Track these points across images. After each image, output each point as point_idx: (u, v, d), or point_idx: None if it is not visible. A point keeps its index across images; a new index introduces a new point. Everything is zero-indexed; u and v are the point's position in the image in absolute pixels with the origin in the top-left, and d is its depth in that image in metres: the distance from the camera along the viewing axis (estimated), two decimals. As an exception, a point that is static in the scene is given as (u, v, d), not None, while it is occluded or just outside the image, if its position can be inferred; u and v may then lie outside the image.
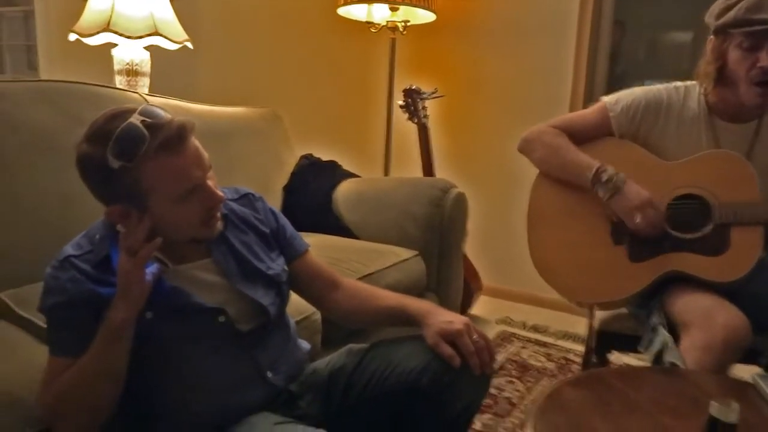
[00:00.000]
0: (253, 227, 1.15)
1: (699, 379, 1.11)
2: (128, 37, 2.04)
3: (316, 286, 1.23)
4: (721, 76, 1.35)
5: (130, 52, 2.17)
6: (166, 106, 1.88)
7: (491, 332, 2.46)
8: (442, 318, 1.07)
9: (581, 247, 1.46)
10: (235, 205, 1.14)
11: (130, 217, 0.93)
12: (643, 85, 1.54)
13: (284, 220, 1.23)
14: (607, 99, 1.51)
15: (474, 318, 2.64)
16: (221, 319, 1.02)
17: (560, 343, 2.38)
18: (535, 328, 2.52)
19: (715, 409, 0.63)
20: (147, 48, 2.23)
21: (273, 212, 1.21)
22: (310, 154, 2.40)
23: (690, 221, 1.37)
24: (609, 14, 2.59)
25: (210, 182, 0.98)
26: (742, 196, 1.33)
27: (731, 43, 1.31)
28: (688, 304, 1.30)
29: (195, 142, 0.96)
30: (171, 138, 0.91)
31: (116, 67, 2.18)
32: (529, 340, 2.39)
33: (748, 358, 1.32)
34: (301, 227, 2.11)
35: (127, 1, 2.05)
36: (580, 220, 1.47)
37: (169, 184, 0.93)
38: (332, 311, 1.24)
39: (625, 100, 1.47)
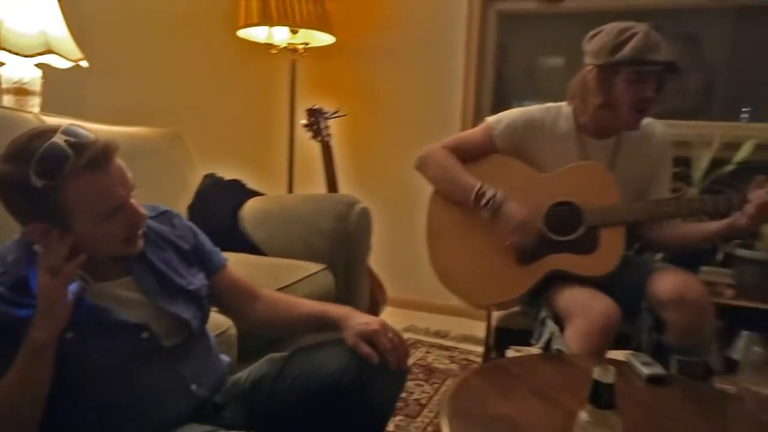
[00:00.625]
0: (172, 244, 1.17)
1: (582, 361, 1.28)
2: (19, 55, 1.96)
3: (236, 299, 1.27)
4: (604, 103, 1.54)
5: (19, 71, 2.08)
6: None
7: (397, 340, 2.58)
8: (360, 320, 1.16)
9: (476, 255, 1.62)
10: (153, 223, 1.15)
11: (51, 235, 0.92)
12: (522, 105, 1.74)
13: (203, 236, 1.26)
14: (490, 119, 1.68)
15: (380, 327, 2.75)
16: (145, 335, 1.04)
17: (461, 345, 2.54)
18: (438, 334, 2.67)
19: (596, 373, 0.76)
20: (38, 66, 2.14)
21: (191, 228, 1.24)
22: (214, 174, 2.41)
23: (566, 225, 1.56)
24: (493, 39, 2.83)
25: (133, 201, 1.01)
26: (606, 201, 1.54)
27: (619, 76, 1.49)
28: (570, 298, 1.48)
29: (119, 161, 0.98)
30: (96, 157, 0.92)
31: (4, 86, 2.07)
32: (432, 345, 2.53)
33: (620, 342, 1.53)
34: (207, 246, 2.13)
35: (17, 16, 1.97)
36: (474, 231, 1.63)
37: (94, 203, 0.94)
38: (254, 322, 1.29)
39: (506, 120, 1.65)
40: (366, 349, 1.10)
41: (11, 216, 0.95)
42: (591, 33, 1.56)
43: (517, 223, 1.54)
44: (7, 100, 2.07)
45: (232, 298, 1.26)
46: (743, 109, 2.60)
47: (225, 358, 1.29)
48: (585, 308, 1.42)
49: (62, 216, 0.93)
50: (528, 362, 1.29)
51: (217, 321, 1.37)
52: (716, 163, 2.35)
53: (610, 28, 1.51)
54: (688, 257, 2.29)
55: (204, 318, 1.19)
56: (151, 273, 1.10)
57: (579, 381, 1.12)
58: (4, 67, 2.08)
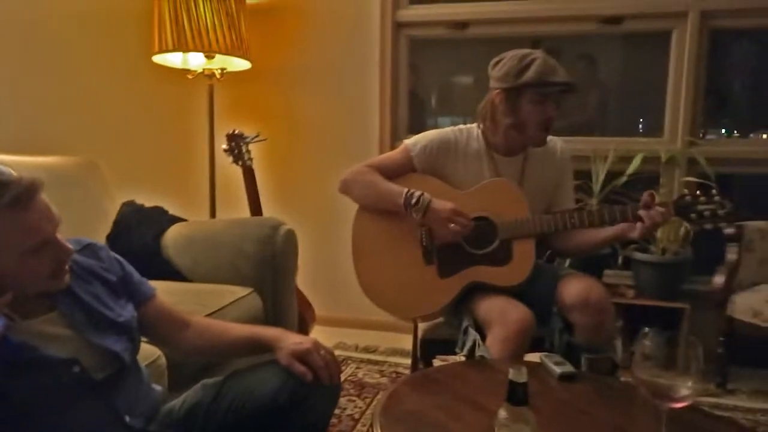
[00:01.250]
0: (99, 277, 1.17)
1: (502, 366, 1.38)
2: None
3: (166, 328, 1.28)
4: (513, 123, 1.67)
5: None
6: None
7: (327, 358, 2.61)
8: (292, 340, 1.20)
9: (399, 270, 1.71)
10: (78, 257, 1.15)
11: None
12: (437, 123, 1.84)
13: (130, 267, 1.26)
14: (408, 141, 1.78)
15: (309, 347, 2.77)
16: (75, 369, 1.03)
17: (390, 359, 2.61)
18: (367, 349, 2.73)
19: (511, 373, 0.85)
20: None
21: (118, 260, 1.24)
22: (133, 201, 2.37)
23: (482, 239, 1.68)
24: (405, 63, 2.96)
25: (59, 235, 1.01)
26: (517, 215, 1.67)
27: (524, 97, 1.63)
28: (488, 307, 1.59)
29: (44, 197, 0.98)
30: (21, 195, 0.93)
31: None
32: (362, 361, 2.59)
33: (536, 345, 1.65)
34: (130, 275, 2.09)
35: None
36: (396, 247, 1.72)
37: (18, 240, 0.94)
38: (185, 350, 1.30)
39: (422, 142, 1.75)
40: (300, 367, 1.15)
41: None
42: (494, 60, 1.70)
43: (451, 209, 1.62)
44: None
45: (162, 327, 1.27)
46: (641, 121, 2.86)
47: (157, 387, 1.29)
48: (502, 316, 1.53)
49: None
50: (453, 370, 1.37)
51: (146, 351, 1.37)
52: (613, 175, 2.58)
53: (512, 55, 1.65)
54: (594, 262, 2.50)
55: (135, 349, 1.19)
56: (79, 307, 1.09)
57: (500, 383, 1.22)
58: None
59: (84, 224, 2.11)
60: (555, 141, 1.81)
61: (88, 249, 1.21)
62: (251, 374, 1.21)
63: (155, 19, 2.53)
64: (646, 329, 2.32)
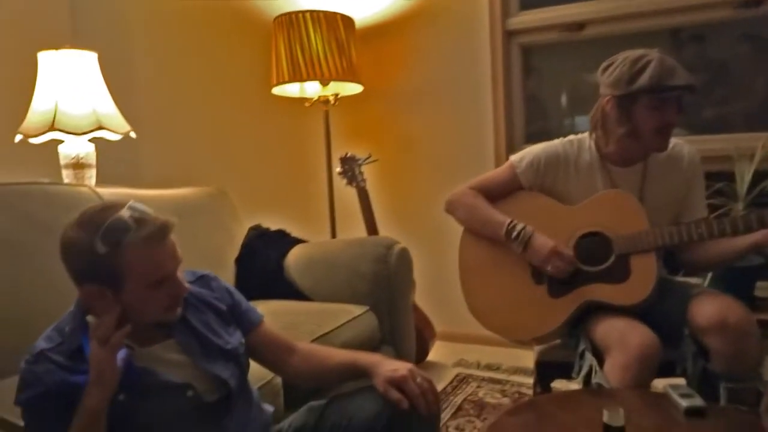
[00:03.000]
0: (211, 306, 1.25)
1: (620, 396, 1.27)
2: (73, 134, 2.14)
3: (273, 353, 1.33)
4: (627, 132, 1.54)
5: (75, 147, 2.27)
6: (115, 194, 1.97)
7: (449, 376, 2.58)
8: (389, 367, 1.19)
9: (508, 290, 1.64)
10: (193, 287, 1.23)
11: (104, 298, 1.03)
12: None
13: (239, 296, 1.34)
14: (513, 158, 1.71)
15: (431, 364, 2.76)
16: (189, 393, 1.11)
17: (513, 378, 2.51)
18: (489, 367, 2.65)
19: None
20: (91, 140, 2.33)
21: (228, 290, 1.32)
22: (259, 225, 2.52)
23: (596, 255, 1.56)
24: (518, 73, 2.86)
25: (179, 274, 1.10)
26: (634, 228, 1.53)
27: (639, 104, 1.50)
28: (607, 329, 1.47)
29: (172, 238, 1.09)
30: (154, 233, 1.04)
31: (63, 162, 2.27)
32: (483, 379, 2.51)
33: (667, 370, 1.49)
34: (255, 295, 2.23)
35: (70, 100, 2.16)
36: (504, 268, 1.65)
37: (145, 272, 1.04)
38: (291, 375, 1.35)
39: (528, 157, 1.67)
40: (395, 395, 1.14)
41: (70, 277, 1.06)
42: (604, 64, 1.58)
43: (550, 250, 1.54)
44: (66, 174, 2.25)
45: (269, 352, 1.32)
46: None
47: (268, 408, 1.35)
48: (622, 340, 1.40)
49: (116, 280, 1.03)
50: (563, 399, 1.28)
51: (262, 372, 1.44)
52: (762, 175, 2.28)
53: (623, 58, 1.53)
54: (741, 274, 2.22)
55: (242, 375, 1.25)
56: (192, 334, 1.18)
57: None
58: (62, 145, 2.28)
59: (215, 248, 2.29)
60: (681, 145, 1.64)
61: (202, 280, 1.30)
62: (351, 399, 1.22)
63: (272, 53, 2.69)
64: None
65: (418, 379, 1.16)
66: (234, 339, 1.24)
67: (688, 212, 1.63)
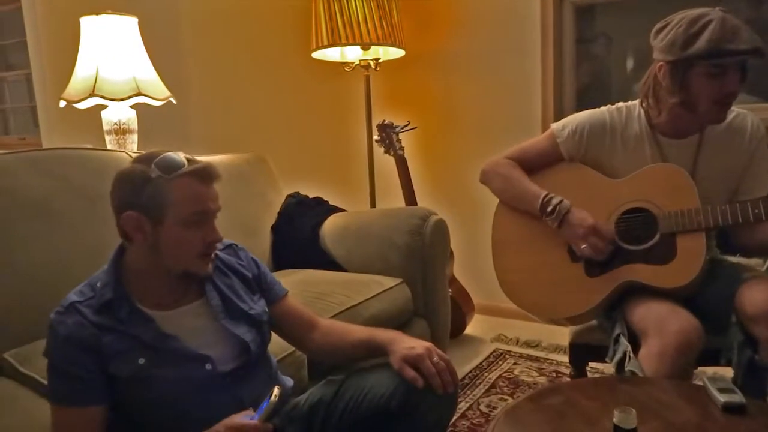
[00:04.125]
0: (237, 272, 1.27)
1: (653, 386, 1.18)
2: (113, 100, 2.17)
3: (295, 328, 1.33)
4: (681, 102, 1.40)
5: (117, 113, 2.30)
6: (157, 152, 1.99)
7: (486, 351, 2.53)
8: (406, 344, 1.16)
9: (542, 268, 1.55)
10: (221, 254, 1.26)
11: (142, 229, 1.06)
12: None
13: (264, 268, 1.34)
14: (555, 126, 1.60)
15: (468, 338, 2.71)
16: (208, 366, 1.12)
17: (552, 356, 2.44)
18: (528, 344, 2.58)
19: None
20: (133, 106, 2.35)
21: (254, 261, 1.33)
22: (297, 192, 2.51)
23: (639, 233, 1.46)
24: (570, 35, 2.70)
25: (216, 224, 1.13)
26: (683, 205, 1.41)
27: (695, 71, 1.36)
28: (645, 313, 1.37)
29: (216, 188, 1.12)
30: (202, 170, 1.09)
31: (105, 127, 2.30)
32: (521, 356, 2.45)
33: (712, 357, 1.40)
34: (289, 264, 2.23)
35: (111, 66, 2.18)
36: (539, 243, 1.57)
37: (188, 203, 1.07)
38: (311, 350, 1.35)
39: (571, 125, 1.56)
40: (411, 373, 1.11)
41: (113, 209, 1.09)
42: (658, 26, 1.44)
43: (588, 227, 1.45)
44: (109, 140, 2.29)
45: (291, 326, 1.33)
46: None
47: (288, 381, 1.34)
48: (660, 326, 1.31)
49: (159, 208, 1.06)
50: (591, 386, 1.21)
51: (285, 343, 1.43)
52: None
53: (679, 18, 1.38)
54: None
55: (263, 343, 1.25)
56: (219, 296, 1.20)
57: (645, 410, 1.05)
58: (105, 111, 2.31)
59: (251, 215, 2.30)
60: (744, 116, 1.49)
61: (230, 248, 1.31)
62: (369, 375, 1.20)
63: (312, 17, 2.63)
64: None
65: (435, 358, 1.13)
66: (258, 306, 1.26)
67: (748, 189, 1.49)
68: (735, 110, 1.47)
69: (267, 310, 1.28)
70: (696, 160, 1.48)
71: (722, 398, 1.06)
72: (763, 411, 1.07)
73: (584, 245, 1.46)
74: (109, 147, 2.30)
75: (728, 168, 1.49)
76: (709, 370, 1.53)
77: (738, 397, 1.06)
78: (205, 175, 1.09)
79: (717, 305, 1.39)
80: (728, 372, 1.38)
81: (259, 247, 2.25)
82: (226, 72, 3.52)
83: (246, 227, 2.22)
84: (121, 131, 2.27)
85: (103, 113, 2.32)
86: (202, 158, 2.17)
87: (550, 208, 1.50)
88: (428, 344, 1.16)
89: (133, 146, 2.34)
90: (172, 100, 2.39)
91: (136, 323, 1.09)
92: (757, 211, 1.35)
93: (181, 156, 1.09)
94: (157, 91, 2.31)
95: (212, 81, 3.52)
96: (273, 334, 1.31)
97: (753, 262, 1.80)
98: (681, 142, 1.49)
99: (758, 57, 1.33)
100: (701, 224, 1.39)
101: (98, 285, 1.10)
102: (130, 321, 1.09)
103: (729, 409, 1.04)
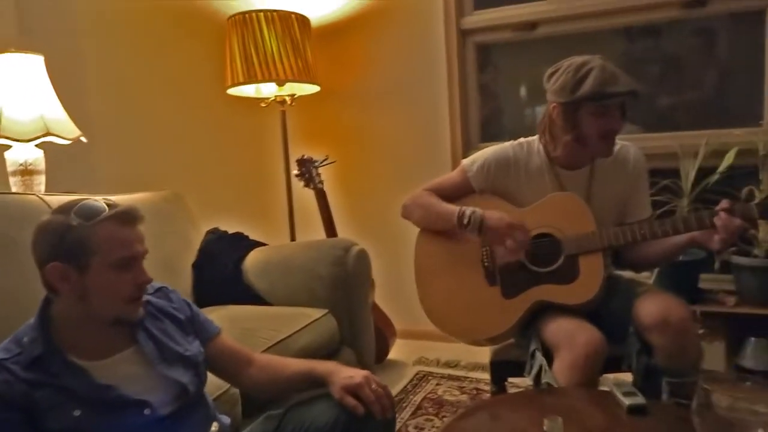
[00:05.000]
0: (170, 315, 1.26)
1: (567, 395, 1.31)
2: (19, 141, 2.08)
3: (231, 364, 1.34)
4: (573, 138, 1.59)
5: (22, 153, 2.20)
6: (76, 200, 1.92)
7: (410, 374, 2.62)
8: (345, 374, 1.22)
9: (462, 292, 1.67)
10: (152, 298, 1.25)
11: (68, 279, 1.04)
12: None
13: (196, 308, 1.34)
14: (465, 161, 1.75)
15: (392, 363, 2.79)
16: (146, 411, 1.11)
17: (471, 374, 2.56)
18: (448, 364, 2.70)
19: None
20: (39, 146, 2.26)
21: (186, 302, 1.33)
22: (217, 228, 2.49)
23: (546, 256, 1.61)
24: (474, 72, 2.90)
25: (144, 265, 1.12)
26: (582, 229, 1.58)
27: (583, 111, 1.54)
28: (555, 329, 1.52)
29: (140, 229, 1.12)
30: (124, 213, 1.08)
31: (10, 168, 2.20)
32: (443, 377, 2.56)
33: (614, 365, 1.55)
34: (213, 300, 2.21)
35: (16, 106, 2.10)
36: (458, 269, 1.69)
37: (113, 248, 1.06)
38: (249, 386, 1.36)
39: (479, 161, 1.71)
40: (351, 401, 1.16)
41: (36, 262, 1.07)
42: (549, 71, 1.62)
43: (507, 225, 1.58)
44: (14, 181, 2.19)
45: (227, 364, 1.33)
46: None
47: (225, 419, 1.35)
48: (570, 339, 1.45)
49: (84, 256, 1.04)
50: (512, 400, 1.33)
51: (219, 381, 1.44)
52: (707, 172, 2.37)
53: (567, 65, 1.57)
54: (686, 267, 2.31)
55: (200, 384, 1.25)
56: (152, 342, 1.18)
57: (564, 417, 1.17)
58: (8, 151, 2.21)
59: (171, 254, 2.26)
60: (627, 148, 1.70)
61: (161, 291, 1.31)
62: (309, 407, 1.24)
63: (226, 54, 2.66)
64: (754, 339, 2.13)
65: (374, 386, 1.19)
66: (193, 347, 1.25)
67: (633, 213, 1.69)
68: (620, 143, 1.67)
69: (202, 350, 1.29)
70: (590, 188, 1.67)
71: (627, 401, 1.20)
72: (661, 410, 1.23)
73: (509, 240, 1.57)
74: (14, 189, 2.19)
75: (617, 194, 1.68)
76: (613, 376, 1.69)
77: (640, 399, 1.20)
78: (127, 217, 1.09)
79: (616, 317, 1.55)
80: (629, 377, 1.54)
81: (181, 285, 2.21)
82: (138, 109, 3.45)
83: (166, 266, 2.19)
84: (27, 172, 2.18)
85: (7, 154, 2.21)
86: (118, 198, 2.13)
87: (465, 220, 1.62)
88: (366, 372, 1.22)
89: (40, 188, 2.24)
90: (82, 139, 2.32)
91: (69, 376, 1.06)
92: (643, 231, 1.54)
93: (100, 201, 1.09)
94: (67, 131, 2.24)
95: (123, 118, 3.44)
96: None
97: (643, 275, 2.02)
98: (576, 173, 1.67)
99: (634, 98, 1.54)
100: (598, 245, 1.56)
101: (25, 340, 1.07)
102: (63, 374, 1.06)
103: (633, 410, 1.19)
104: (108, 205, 1.08)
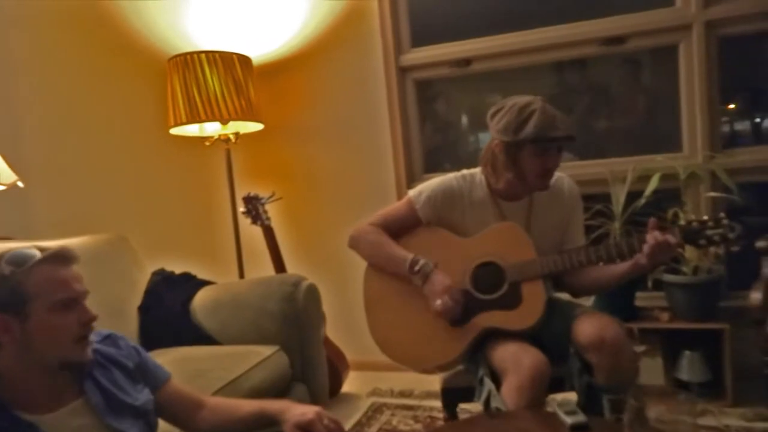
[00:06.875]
0: (117, 363, 1.25)
1: (514, 418, 1.36)
2: (-48, 188, 2.02)
3: (182, 410, 1.33)
4: (513, 175, 1.67)
5: (-46, 200, 2.13)
6: (3, 249, 1.87)
7: (364, 406, 2.62)
8: (297, 411, 1.23)
9: (411, 322, 1.72)
10: (99, 346, 1.23)
11: (10, 330, 1.02)
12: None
13: (145, 354, 1.33)
14: (411, 193, 1.80)
15: (346, 396, 2.79)
16: None
17: (425, 403, 2.59)
18: (402, 393, 2.72)
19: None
20: (-26, 192, 2.19)
21: (135, 348, 1.32)
22: (163, 269, 2.46)
23: (491, 284, 1.67)
24: (414, 107, 3.00)
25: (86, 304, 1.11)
26: (523, 257, 1.66)
27: (525, 151, 1.63)
28: (502, 354, 1.57)
29: (76, 269, 1.11)
30: (56, 254, 1.07)
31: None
32: (397, 407, 2.58)
33: (557, 386, 1.62)
34: (161, 343, 2.17)
35: (-53, 152, 2.04)
36: (406, 299, 1.73)
37: (51, 291, 1.05)
38: (201, 431, 1.34)
39: (426, 192, 1.77)
40: (304, 438, 1.18)
41: None
42: (493, 109, 1.70)
43: (446, 287, 1.64)
44: (-54, 229, 2.10)
45: (177, 409, 1.32)
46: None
47: (179, 466, 1.34)
48: (516, 363, 1.51)
49: (22, 302, 1.03)
50: (465, 425, 1.36)
51: (170, 428, 1.42)
52: (635, 196, 2.52)
53: (510, 105, 1.65)
54: (623, 286, 2.43)
55: (151, 431, 1.24)
56: (100, 392, 1.17)
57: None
58: (-61, 199, 2.13)
59: (115, 298, 2.21)
60: (562, 180, 1.80)
61: (109, 339, 1.29)
62: (263, 448, 1.24)
63: (168, 94, 2.66)
64: (689, 353, 2.24)
65: (326, 421, 1.21)
66: (143, 396, 1.24)
67: (570, 240, 1.79)
68: (555, 175, 1.77)
69: (152, 397, 1.27)
70: (529, 218, 1.76)
71: (569, 420, 1.26)
72: (603, 426, 1.29)
73: (438, 301, 1.63)
74: (-55, 238, 2.11)
75: (554, 224, 1.77)
76: (561, 396, 1.76)
77: (582, 417, 1.26)
78: (61, 258, 1.09)
79: (557, 339, 1.63)
80: (574, 396, 1.61)
81: (126, 328, 2.16)
82: (78, 150, 3.39)
83: (111, 310, 2.13)
84: (-41, 220, 2.10)
85: (-63, 202, 2.13)
86: (57, 242, 2.08)
87: (417, 268, 1.67)
88: (317, 408, 1.24)
89: (-26, 235, 2.16)
90: (19, 183, 2.26)
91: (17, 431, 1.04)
92: (579, 258, 1.64)
93: (30, 247, 1.08)
94: (2, 176, 2.18)
95: (62, 160, 3.36)
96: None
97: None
98: (516, 204, 1.76)
99: (571, 142, 1.65)
100: (538, 272, 1.64)
101: None
102: (11, 430, 1.04)
103: (575, 429, 1.24)
104: (40, 249, 1.07)
